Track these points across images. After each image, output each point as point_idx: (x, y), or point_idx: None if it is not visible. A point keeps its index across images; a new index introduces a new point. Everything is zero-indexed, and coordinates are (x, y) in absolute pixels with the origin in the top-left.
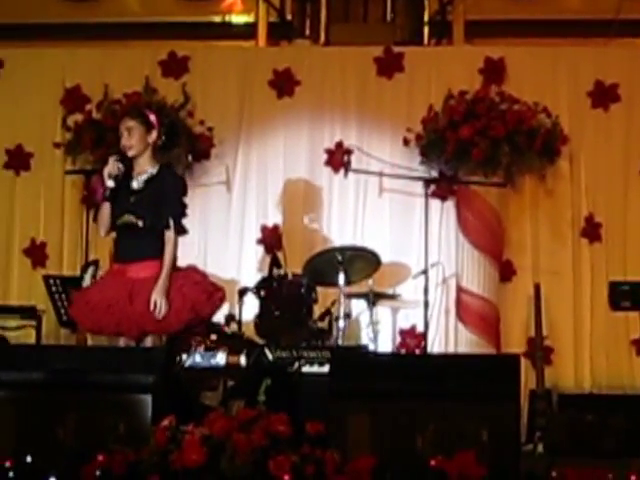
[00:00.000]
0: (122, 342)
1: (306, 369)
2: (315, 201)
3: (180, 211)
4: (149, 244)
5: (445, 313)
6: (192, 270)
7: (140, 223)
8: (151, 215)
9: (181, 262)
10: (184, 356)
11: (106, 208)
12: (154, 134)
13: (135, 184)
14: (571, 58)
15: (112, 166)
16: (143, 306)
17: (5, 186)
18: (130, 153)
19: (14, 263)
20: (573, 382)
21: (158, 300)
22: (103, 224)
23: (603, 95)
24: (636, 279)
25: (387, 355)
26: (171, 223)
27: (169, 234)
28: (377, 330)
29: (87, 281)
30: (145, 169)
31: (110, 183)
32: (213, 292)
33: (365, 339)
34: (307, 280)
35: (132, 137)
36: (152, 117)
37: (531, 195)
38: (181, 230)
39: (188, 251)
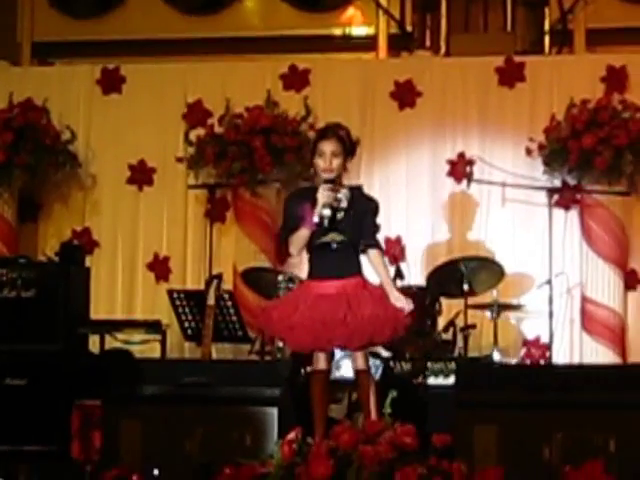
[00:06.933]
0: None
1: (431, 381)
2: (438, 212)
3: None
4: (356, 260)
5: (570, 323)
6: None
7: (347, 240)
8: (353, 233)
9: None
10: (308, 368)
11: (306, 232)
12: (349, 160)
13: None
14: None
15: (327, 195)
16: (374, 318)
17: (128, 201)
18: (327, 176)
19: (138, 278)
20: None
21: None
22: (299, 245)
23: None
24: None
25: (512, 366)
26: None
27: (374, 251)
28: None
29: (211, 295)
30: (340, 189)
31: (326, 212)
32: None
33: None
34: (431, 292)
35: (334, 161)
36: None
37: None
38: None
39: None
